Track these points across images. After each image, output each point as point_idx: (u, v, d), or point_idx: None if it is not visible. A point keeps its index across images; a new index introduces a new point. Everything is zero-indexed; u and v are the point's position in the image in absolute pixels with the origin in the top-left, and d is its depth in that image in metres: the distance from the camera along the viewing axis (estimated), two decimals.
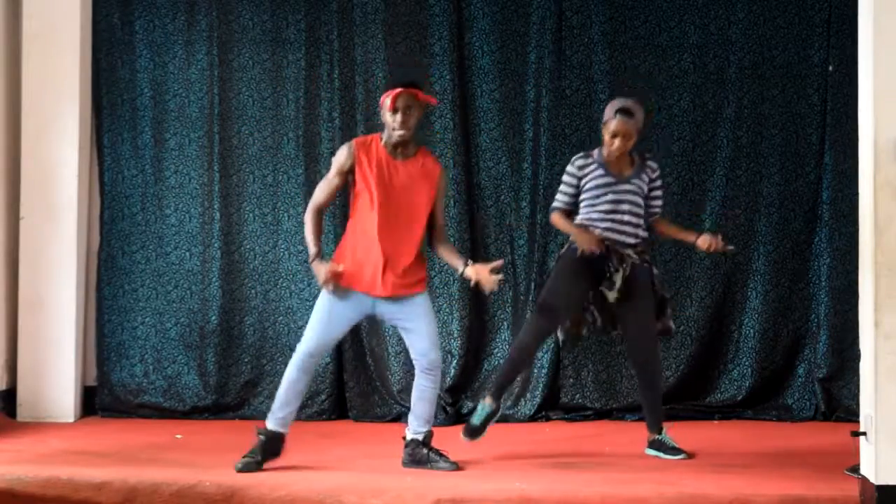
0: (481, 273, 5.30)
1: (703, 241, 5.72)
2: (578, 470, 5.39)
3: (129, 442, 6.25)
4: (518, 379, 6.49)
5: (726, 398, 7.05)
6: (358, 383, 7.18)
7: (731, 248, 5.81)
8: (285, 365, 7.09)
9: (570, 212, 5.77)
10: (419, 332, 5.38)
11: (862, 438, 4.70)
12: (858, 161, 4.81)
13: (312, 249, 5.33)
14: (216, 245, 7.25)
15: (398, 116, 5.28)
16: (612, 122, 5.64)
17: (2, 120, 7.11)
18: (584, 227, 5.64)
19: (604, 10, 7.12)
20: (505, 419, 6.89)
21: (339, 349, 7.19)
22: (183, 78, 7.34)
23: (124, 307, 7.31)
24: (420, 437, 5.42)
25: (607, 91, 7.09)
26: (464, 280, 7.05)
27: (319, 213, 5.40)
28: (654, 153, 6.11)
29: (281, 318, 7.21)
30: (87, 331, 7.30)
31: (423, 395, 5.43)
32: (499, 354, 7.14)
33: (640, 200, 5.70)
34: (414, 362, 5.47)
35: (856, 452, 4.80)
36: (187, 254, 7.31)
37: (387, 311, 5.42)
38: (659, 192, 5.81)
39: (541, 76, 7.15)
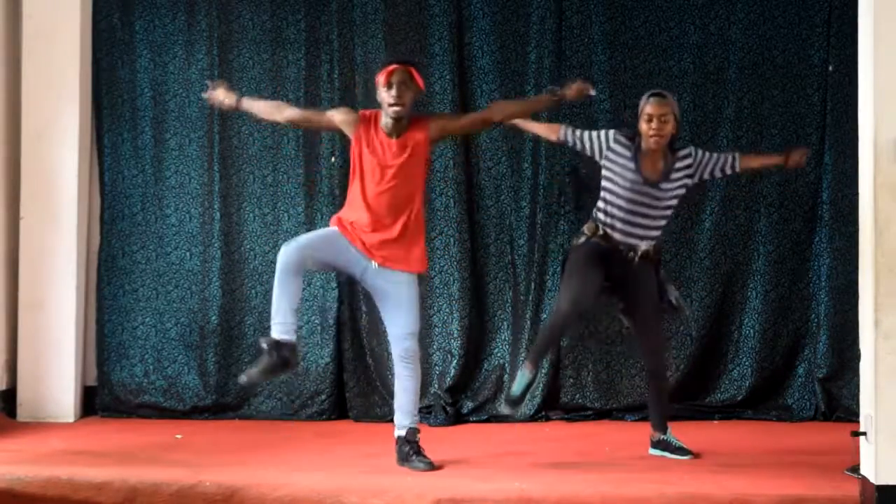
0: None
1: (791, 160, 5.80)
2: (578, 470, 5.39)
3: (129, 442, 6.25)
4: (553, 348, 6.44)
5: (726, 398, 7.05)
6: (358, 383, 7.18)
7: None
8: None
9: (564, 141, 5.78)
10: (397, 314, 5.38)
11: (862, 438, 4.70)
12: (858, 161, 4.81)
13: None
14: (216, 245, 7.26)
15: (393, 91, 5.31)
16: (646, 105, 5.60)
17: (2, 120, 7.12)
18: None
19: (604, 10, 7.12)
20: (505, 419, 6.91)
21: (339, 349, 7.20)
22: (183, 78, 7.34)
23: (124, 307, 7.31)
24: (404, 433, 5.42)
25: (607, 91, 7.09)
26: (464, 280, 7.10)
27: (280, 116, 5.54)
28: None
29: None
30: (87, 331, 7.30)
31: (401, 385, 5.44)
32: (499, 354, 7.14)
33: (668, 204, 5.64)
34: (391, 348, 5.47)
35: (856, 452, 4.80)
36: (187, 254, 7.31)
37: (373, 282, 5.43)
38: (711, 165, 5.68)
39: (541, 76, 7.15)
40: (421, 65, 7.16)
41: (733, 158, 5.73)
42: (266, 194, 7.27)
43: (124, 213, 7.35)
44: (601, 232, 5.65)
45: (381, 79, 5.37)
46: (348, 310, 7.21)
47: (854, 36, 4.95)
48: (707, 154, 5.72)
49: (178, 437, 6.48)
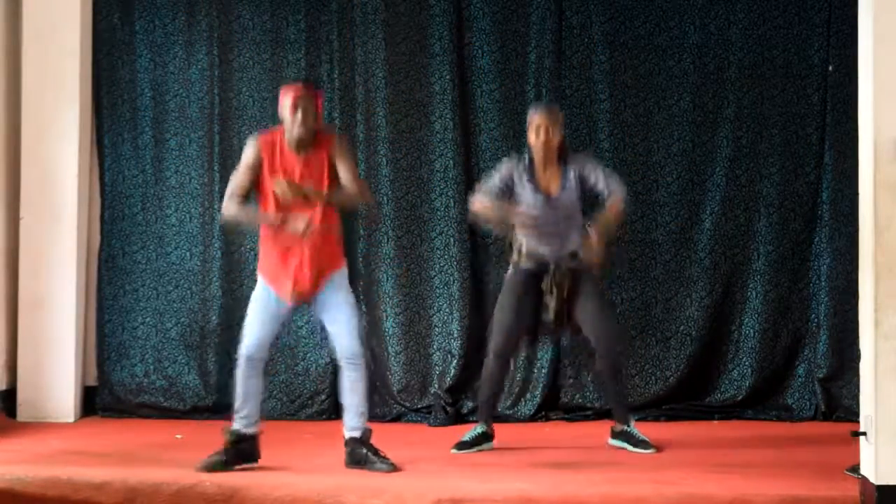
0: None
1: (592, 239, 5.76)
2: (578, 470, 5.39)
3: (129, 442, 6.26)
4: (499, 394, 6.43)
5: (726, 398, 7.05)
6: None
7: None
8: (285, 365, 7.19)
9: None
10: (339, 323, 5.36)
11: (862, 438, 4.70)
12: (858, 161, 4.81)
13: (259, 217, 5.39)
14: (216, 245, 7.25)
15: (298, 115, 5.30)
16: (534, 117, 5.77)
17: (2, 120, 7.12)
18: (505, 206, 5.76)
19: (604, 10, 7.12)
20: (505, 419, 6.91)
21: None
22: (183, 78, 7.34)
23: (124, 307, 7.31)
24: (358, 435, 5.41)
25: (607, 91, 7.10)
26: (464, 280, 7.10)
27: (240, 200, 5.42)
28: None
29: None
30: (87, 331, 7.30)
31: (353, 387, 5.42)
32: None
33: (573, 207, 5.80)
34: (337, 355, 5.46)
35: (856, 452, 4.80)
36: (188, 254, 7.31)
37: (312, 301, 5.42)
38: (596, 182, 5.80)
39: (541, 76, 7.15)
40: (421, 65, 7.22)
41: (609, 192, 5.79)
42: None
43: (124, 213, 7.35)
44: (524, 251, 5.80)
45: (286, 101, 5.34)
46: None
47: (854, 36, 4.95)
48: (594, 174, 5.80)
49: (179, 437, 6.48)
